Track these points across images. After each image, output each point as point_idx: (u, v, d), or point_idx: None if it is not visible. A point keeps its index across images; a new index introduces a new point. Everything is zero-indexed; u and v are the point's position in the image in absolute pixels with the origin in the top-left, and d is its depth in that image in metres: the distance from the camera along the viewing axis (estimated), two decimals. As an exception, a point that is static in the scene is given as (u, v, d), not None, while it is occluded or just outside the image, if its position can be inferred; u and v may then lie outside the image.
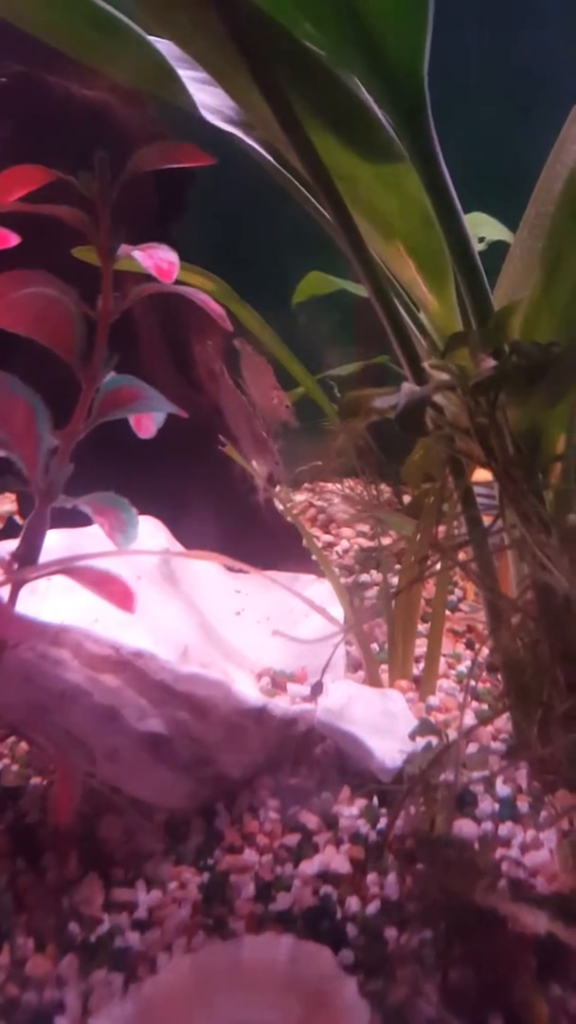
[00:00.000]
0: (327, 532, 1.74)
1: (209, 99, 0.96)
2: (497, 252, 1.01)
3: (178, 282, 0.76)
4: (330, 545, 1.67)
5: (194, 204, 1.46)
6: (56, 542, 0.87)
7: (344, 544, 1.68)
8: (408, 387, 0.70)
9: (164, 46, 0.91)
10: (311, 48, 0.81)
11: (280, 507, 1.33)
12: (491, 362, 0.70)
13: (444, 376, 0.71)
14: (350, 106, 0.81)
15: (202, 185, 1.42)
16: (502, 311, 0.73)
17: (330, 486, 1.90)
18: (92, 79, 1.33)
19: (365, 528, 1.70)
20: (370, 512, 1.36)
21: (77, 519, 0.79)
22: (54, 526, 0.78)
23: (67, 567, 0.72)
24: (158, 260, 0.75)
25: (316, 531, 1.73)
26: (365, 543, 1.66)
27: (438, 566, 1.00)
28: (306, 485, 1.93)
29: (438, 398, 0.73)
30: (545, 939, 0.65)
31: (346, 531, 1.72)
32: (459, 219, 0.79)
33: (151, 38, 0.88)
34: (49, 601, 0.84)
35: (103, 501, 0.74)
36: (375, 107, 0.83)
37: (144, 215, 1.32)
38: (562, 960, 0.66)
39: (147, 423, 0.82)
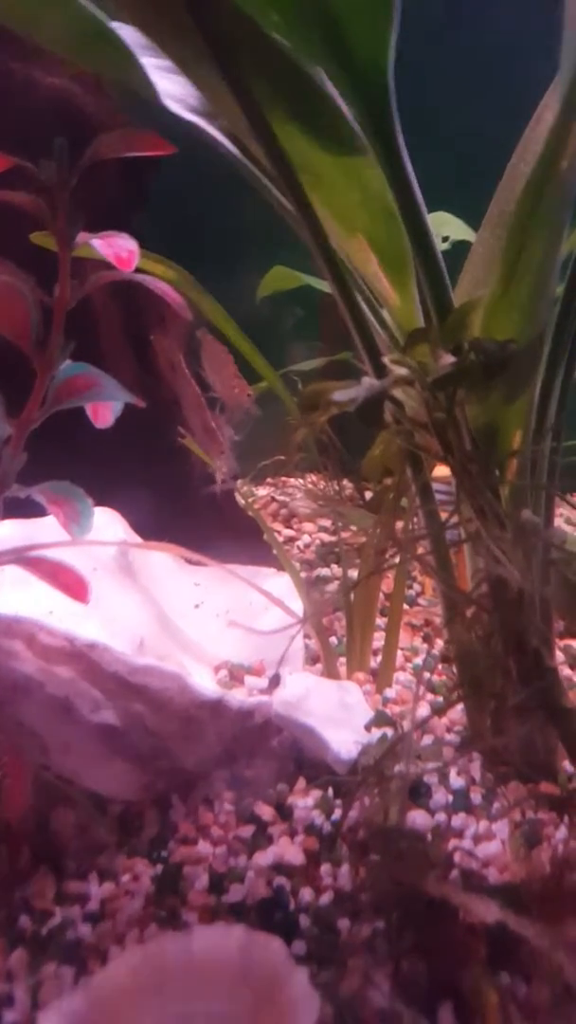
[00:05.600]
0: (289, 527, 1.74)
1: (173, 87, 0.95)
2: (460, 251, 1.02)
3: (140, 271, 0.76)
4: (292, 540, 1.68)
5: (160, 193, 1.45)
6: (10, 532, 0.86)
7: (306, 539, 1.68)
8: (368, 381, 0.70)
9: (128, 32, 0.90)
10: (277, 39, 0.80)
11: (241, 501, 1.33)
12: (450, 358, 0.71)
13: (403, 371, 0.71)
14: (314, 98, 0.81)
15: (169, 174, 1.41)
16: (462, 308, 0.74)
17: (292, 481, 1.91)
18: (55, 66, 1.31)
19: (327, 523, 1.71)
20: (331, 507, 1.36)
21: (34, 509, 0.79)
22: (9, 516, 0.77)
23: (21, 557, 0.71)
24: (117, 248, 0.74)
25: (278, 526, 1.74)
26: (327, 538, 1.67)
27: (396, 560, 1.01)
28: (269, 480, 1.93)
29: (398, 393, 0.73)
30: (495, 928, 0.66)
31: (308, 526, 1.73)
32: (421, 214, 0.80)
33: (115, 24, 0.87)
34: (2, 592, 0.83)
35: (58, 491, 0.74)
36: (340, 100, 0.83)
37: (106, 203, 1.31)
38: (512, 949, 0.67)
39: (104, 412, 0.81)
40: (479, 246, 0.93)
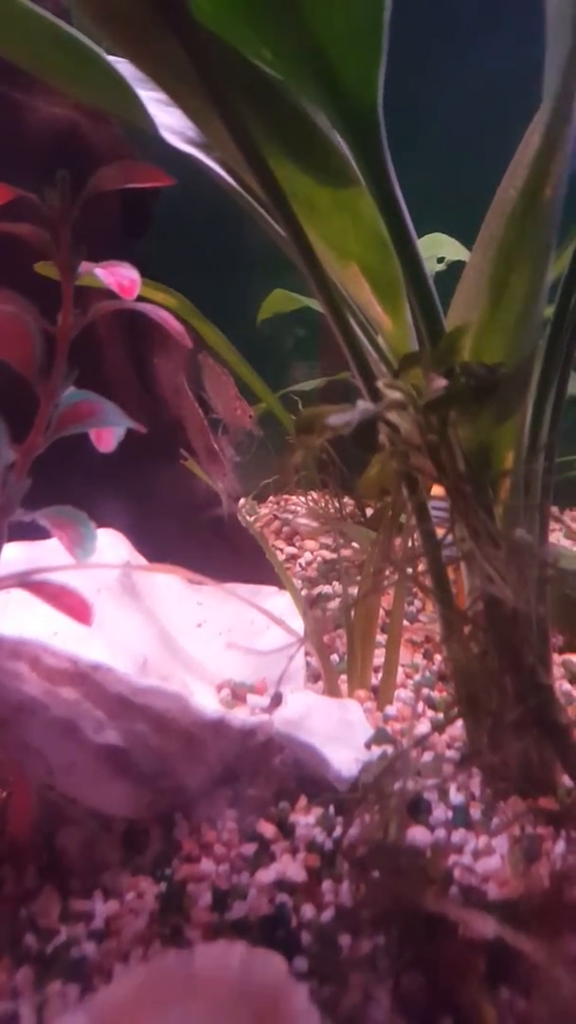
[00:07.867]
0: (291, 544, 1.76)
1: (170, 120, 0.97)
2: (457, 272, 1.04)
3: (142, 299, 0.78)
4: (294, 557, 1.69)
5: (162, 222, 1.48)
6: (15, 555, 0.88)
7: (307, 556, 1.69)
8: (362, 405, 0.71)
9: (125, 66, 0.92)
10: (268, 73, 0.83)
11: (243, 520, 1.34)
12: (442, 382, 0.72)
13: (397, 395, 0.73)
14: (306, 130, 0.83)
15: (171, 203, 1.44)
16: (453, 332, 0.76)
17: (294, 499, 1.92)
18: (59, 97, 1.34)
19: (329, 540, 1.73)
20: (332, 525, 1.38)
21: (38, 532, 0.80)
22: (13, 539, 0.79)
23: (25, 580, 0.73)
24: (119, 277, 0.76)
25: (280, 543, 1.75)
26: (328, 555, 1.68)
27: (395, 577, 1.02)
28: (271, 498, 1.95)
29: (392, 416, 0.75)
30: (494, 944, 0.66)
31: (309, 543, 1.74)
32: (412, 242, 0.81)
33: (111, 58, 0.90)
34: (8, 614, 0.84)
35: (61, 514, 0.75)
36: (331, 131, 0.85)
37: (108, 232, 1.33)
38: (511, 964, 0.68)
39: (107, 437, 0.83)
40: (471, 270, 0.95)
